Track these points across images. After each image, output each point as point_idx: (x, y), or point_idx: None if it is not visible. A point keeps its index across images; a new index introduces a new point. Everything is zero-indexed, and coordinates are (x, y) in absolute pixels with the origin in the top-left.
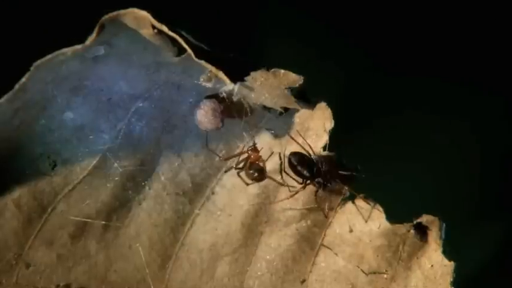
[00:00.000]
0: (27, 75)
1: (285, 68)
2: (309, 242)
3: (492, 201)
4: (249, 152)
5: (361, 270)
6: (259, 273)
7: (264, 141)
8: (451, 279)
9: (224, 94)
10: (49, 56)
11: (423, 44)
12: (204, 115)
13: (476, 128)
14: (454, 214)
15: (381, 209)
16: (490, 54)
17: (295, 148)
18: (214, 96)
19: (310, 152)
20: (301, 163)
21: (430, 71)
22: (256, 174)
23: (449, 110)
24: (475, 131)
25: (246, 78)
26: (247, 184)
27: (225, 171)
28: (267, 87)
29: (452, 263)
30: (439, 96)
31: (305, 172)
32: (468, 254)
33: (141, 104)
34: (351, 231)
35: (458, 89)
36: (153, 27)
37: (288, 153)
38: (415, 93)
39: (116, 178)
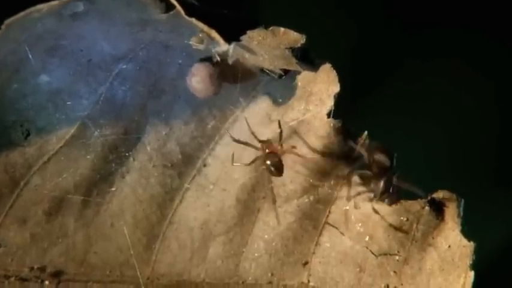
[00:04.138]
0: None
1: (285, 26)
2: (312, 220)
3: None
4: (264, 146)
5: (370, 251)
6: (256, 254)
7: (262, 107)
8: (471, 262)
9: (218, 56)
10: (22, 13)
11: None
12: (200, 82)
13: (499, 89)
14: (471, 188)
15: None
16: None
17: (295, 115)
18: (208, 59)
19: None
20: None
21: (439, 24)
22: (273, 169)
23: (466, 68)
24: (498, 91)
25: (242, 37)
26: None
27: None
28: (265, 47)
29: (472, 243)
30: (454, 55)
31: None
32: (487, 233)
33: (124, 66)
34: (358, 208)
35: (477, 42)
36: None
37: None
38: (426, 51)
39: (97, 148)
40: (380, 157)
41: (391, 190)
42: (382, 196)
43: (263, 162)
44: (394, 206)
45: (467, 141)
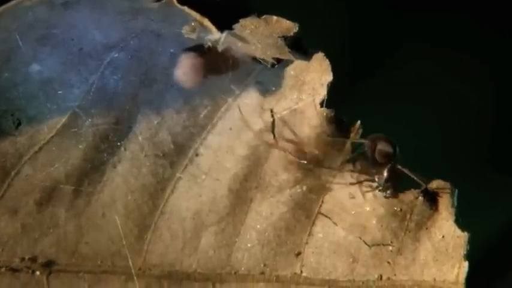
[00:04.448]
0: None
1: (277, 15)
2: (305, 210)
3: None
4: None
5: (364, 241)
6: (248, 244)
7: (254, 96)
8: (465, 252)
9: (209, 44)
10: (13, 2)
11: None
12: (184, 74)
13: (493, 73)
14: (464, 177)
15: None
16: None
17: (288, 104)
18: (197, 48)
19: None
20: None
21: (433, 11)
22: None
23: (460, 54)
24: (492, 78)
25: (234, 26)
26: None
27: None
28: (257, 36)
29: (466, 233)
30: (447, 46)
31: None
32: (480, 223)
33: (116, 55)
34: (352, 197)
35: (471, 28)
36: None
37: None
38: (418, 38)
39: (88, 138)
40: (383, 146)
41: (395, 180)
42: (385, 185)
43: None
44: (390, 198)
45: (460, 129)
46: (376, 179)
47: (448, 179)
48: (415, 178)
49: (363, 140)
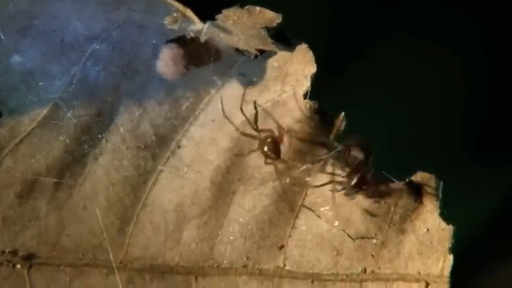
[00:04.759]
0: None
1: (261, 5)
2: (288, 203)
3: (490, 149)
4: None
5: (347, 234)
6: (231, 237)
7: (237, 87)
8: (449, 245)
9: (192, 34)
10: None
11: None
12: (166, 65)
13: (475, 63)
14: (448, 170)
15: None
16: None
17: (271, 96)
18: (179, 39)
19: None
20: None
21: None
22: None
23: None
24: (475, 66)
25: (217, 16)
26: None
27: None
28: (240, 26)
29: (450, 226)
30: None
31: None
32: (464, 216)
33: (97, 46)
34: (335, 190)
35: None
36: None
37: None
38: (404, 31)
39: (69, 130)
40: (356, 153)
41: (363, 187)
42: (351, 191)
43: (261, 146)
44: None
45: (442, 119)
46: (345, 183)
47: (432, 171)
48: (392, 179)
49: (337, 144)
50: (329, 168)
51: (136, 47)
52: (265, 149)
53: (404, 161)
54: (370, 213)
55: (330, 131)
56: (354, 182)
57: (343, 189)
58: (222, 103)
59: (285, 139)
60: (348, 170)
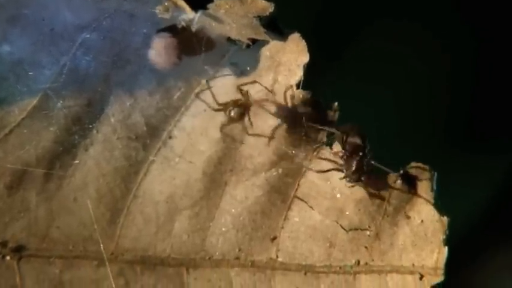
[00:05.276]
0: None
1: None
2: (281, 194)
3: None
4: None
5: (341, 226)
6: (223, 229)
7: (228, 77)
8: (444, 237)
9: (183, 24)
10: None
11: None
12: (157, 54)
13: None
14: (441, 160)
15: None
16: None
17: (263, 86)
18: (170, 28)
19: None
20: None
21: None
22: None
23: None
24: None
25: (208, 5)
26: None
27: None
28: (232, 15)
29: (445, 218)
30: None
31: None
32: (457, 207)
33: (88, 36)
34: (328, 181)
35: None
36: None
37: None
38: (397, 21)
39: (60, 120)
40: (353, 139)
41: (362, 172)
42: (352, 177)
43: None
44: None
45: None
46: (344, 170)
47: (425, 160)
48: (385, 168)
49: (334, 130)
50: (326, 155)
51: (127, 37)
52: (230, 112)
53: (397, 148)
54: (364, 204)
55: (324, 120)
56: (354, 167)
57: (345, 176)
58: (211, 92)
59: (251, 107)
60: (345, 156)
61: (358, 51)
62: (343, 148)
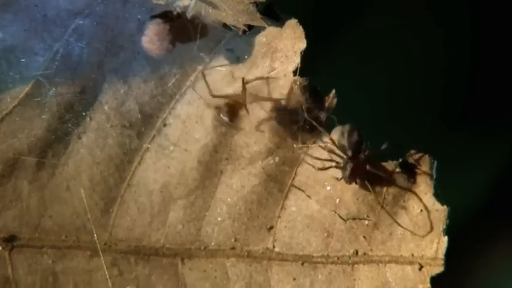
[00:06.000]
0: None
1: None
2: (277, 183)
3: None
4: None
5: (339, 215)
6: (219, 218)
7: (224, 64)
8: (444, 227)
9: (178, 10)
10: None
11: None
12: (151, 41)
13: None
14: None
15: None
16: None
17: (259, 73)
18: (164, 15)
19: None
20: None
21: None
22: (226, 114)
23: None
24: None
25: None
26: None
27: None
28: (228, 1)
29: (445, 207)
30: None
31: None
32: (456, 195)
33: (81, 21)
34: (326, 169)
35: None
36: None
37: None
38: (394, 7)
39: (52, 108)
40: (352, 140)
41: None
42: (348, 180)
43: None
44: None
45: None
46: (341, 171)
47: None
48: (379, 173)
49: (329, 138)
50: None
51: (121, 23)
52: (221, 113)
53: (396, 132)
54: (362, 193)
55: (321, 107)
56: (349, 171)
57: (342, 178)
58: (205, 79)
59: (243, 107)
60: (343, 158)
61: (354, 37)
62: (342, 148)
